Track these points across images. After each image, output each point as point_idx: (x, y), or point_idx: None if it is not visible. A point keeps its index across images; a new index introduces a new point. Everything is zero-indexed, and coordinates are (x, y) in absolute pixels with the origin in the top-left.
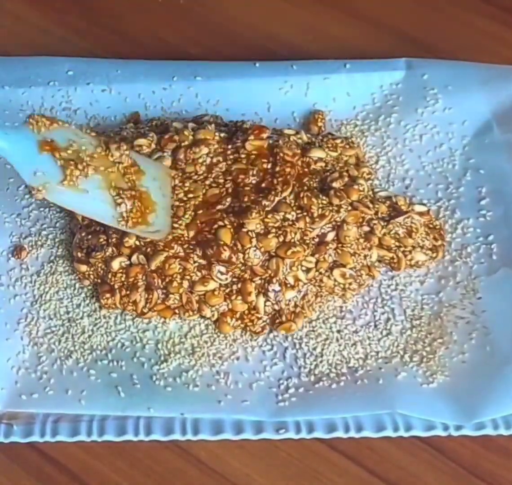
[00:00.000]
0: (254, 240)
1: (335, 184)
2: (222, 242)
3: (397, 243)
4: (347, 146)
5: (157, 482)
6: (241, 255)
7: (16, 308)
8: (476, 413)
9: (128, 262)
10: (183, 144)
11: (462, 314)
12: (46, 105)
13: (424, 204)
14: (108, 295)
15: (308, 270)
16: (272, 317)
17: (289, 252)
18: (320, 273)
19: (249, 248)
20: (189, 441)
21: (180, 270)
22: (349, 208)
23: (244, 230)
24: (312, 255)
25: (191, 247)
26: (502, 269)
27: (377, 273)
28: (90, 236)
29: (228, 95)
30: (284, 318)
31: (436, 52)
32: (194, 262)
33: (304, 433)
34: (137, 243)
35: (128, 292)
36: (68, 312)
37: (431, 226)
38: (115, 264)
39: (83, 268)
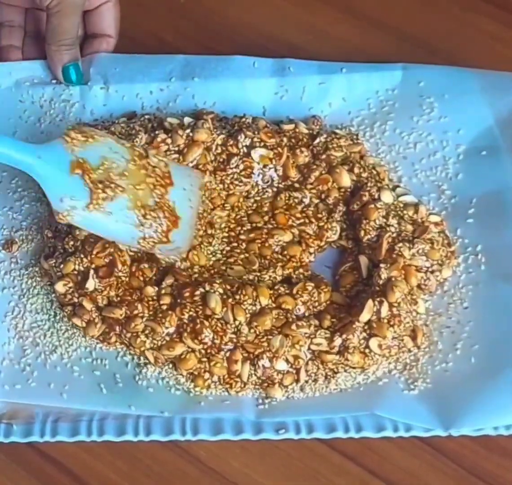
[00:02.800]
0: (248, 316)
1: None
2: (204, 321)
3: (426, 263)
4: (351, 142)
5: (157, 482)
6: (230, 330)
7: (4, 301)
8: (453, 423)
9: (71, 286)
10: (175, 146)
11: (448, 323)
12: (46, 96)
13: (436, 214)
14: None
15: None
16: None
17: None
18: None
19: (240, 324)
20: (189, 441)
21: (148, 332)
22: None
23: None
24: (333, 331)
25: (162, 311)
26: (490, 280)
27: (421, 337)
28: (53, 240)
29: (224, 97)
30: (276, 386)
31: (436, 52)
32: (166, 328)
33: (304, 434)
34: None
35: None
36: (54, 308)
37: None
38: (59, 288)
39: (45, 265)
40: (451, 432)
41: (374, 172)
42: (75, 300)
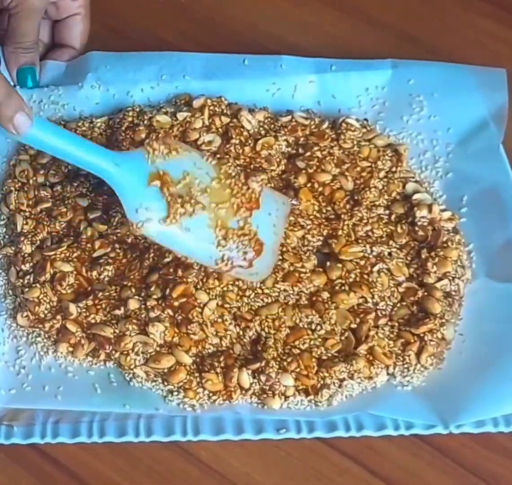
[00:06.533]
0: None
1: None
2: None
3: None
4: (365, 129)
5: (157, 482)
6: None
7: None
8: (450, 417)
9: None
10: None
11: None
12: (35, 97)
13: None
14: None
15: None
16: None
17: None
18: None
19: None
20: (189, 441)
21: (137, 349)
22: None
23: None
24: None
25: (151, 319)
26: (481, 278)
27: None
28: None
29: (214, 95)
30: (277, 397)
31: (435, 51)
32: (157, 331)
33: (305, 433)
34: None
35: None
36: None
37: None
38: (21, 321)
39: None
40: (450, 427)
41: (394, 153)
42: (57, 324)
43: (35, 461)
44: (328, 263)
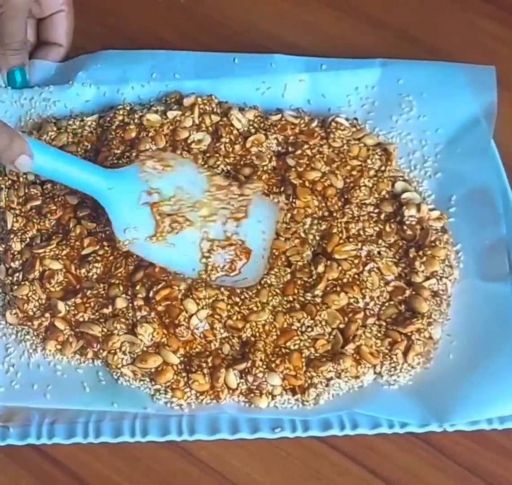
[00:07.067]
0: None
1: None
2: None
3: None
4: (355, 128)
5: (157, 481)
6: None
7: None
8: (437, 417)
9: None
10: None
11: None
12: (26, 94)
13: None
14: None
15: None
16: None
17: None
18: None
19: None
20: (186, 441)
21: (125, 348)
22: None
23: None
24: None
25: (138, 320)
26: (469, 278)
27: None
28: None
29: (205, 93)
30: (264, 396)
31: (433, 51)
32: (146, 332)
33: (300, 432)
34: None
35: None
36: None
37: None
38: (10, 318)
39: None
40: (442, 426)
41: (383, 152)
42: (45, 322)
43: (35, 461)
44: (322, 263)
